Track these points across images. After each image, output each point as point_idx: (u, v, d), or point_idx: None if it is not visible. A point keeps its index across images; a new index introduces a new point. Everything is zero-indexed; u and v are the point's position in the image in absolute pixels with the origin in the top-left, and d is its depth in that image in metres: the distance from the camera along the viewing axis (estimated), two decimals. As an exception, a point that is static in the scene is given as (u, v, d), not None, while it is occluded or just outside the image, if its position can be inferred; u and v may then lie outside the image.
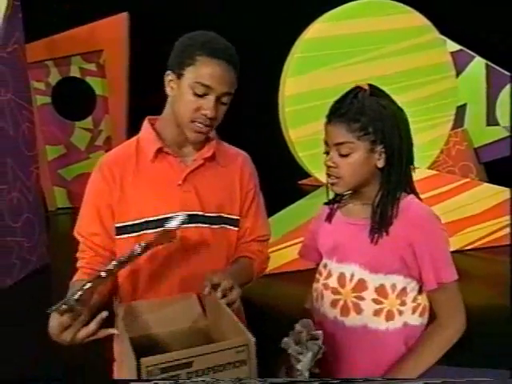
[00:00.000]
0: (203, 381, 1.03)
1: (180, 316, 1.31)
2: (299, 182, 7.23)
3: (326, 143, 1.41)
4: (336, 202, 1.51)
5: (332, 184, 1.41)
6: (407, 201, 1.39)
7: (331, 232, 1.50)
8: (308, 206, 4.47)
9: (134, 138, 1.52)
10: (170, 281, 1.45)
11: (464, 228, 4.78)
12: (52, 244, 5.01)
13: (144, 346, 1.15)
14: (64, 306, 1.09)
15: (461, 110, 5.63)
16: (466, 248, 4.80)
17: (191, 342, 1.19)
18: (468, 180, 5.04)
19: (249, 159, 1.62)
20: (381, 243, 1.36)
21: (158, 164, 1.46)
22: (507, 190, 4.90)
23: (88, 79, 7.25)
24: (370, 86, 1.38)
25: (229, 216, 1.53)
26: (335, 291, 1.43)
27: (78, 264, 1.46)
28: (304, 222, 3.90)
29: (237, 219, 1.55)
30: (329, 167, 1.40)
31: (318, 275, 1.53)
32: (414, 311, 1.39)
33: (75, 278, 1.43)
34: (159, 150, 1.46)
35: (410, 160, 1.40)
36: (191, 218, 1.41)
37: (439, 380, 1.00)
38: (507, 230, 4.86)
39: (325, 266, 1.49)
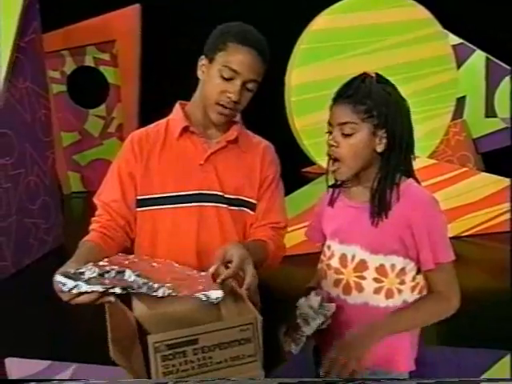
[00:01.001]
0: (213, 380, 1.06)
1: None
2: (303, 170, 7.18)
3: (330, 124, 1.44)
4: (339, 186, 1.54)
5: (334, 171, 1.45)
6: (407, 184, 1.42)
7: (334, 215, 1.54)
8: (312, 191, 4.49)
9: (165, 119, 1.58)
10: (187, 257, 1.47)
11: (462, 215, 4.80)
12: (66, 226, 5.05)
13: (159, 323, 1.21)
14: (71, 287, 1.13)
15: (460, 102, 5.62)
16: (464, 234, 4.84)
17: (201, 319, 1.23)
18: (466, 169, 5.06)
19: (271, 148, 1.64)
20: (381, 225, 1.40)
21: (183, 142, 1.52)
22: (503, 179, 4.92)
23: (101, 68, 7.26)
24: (377, 74, 1.42)
25: (247, 199, 1.55)
26: (338, 271, 1.48)
27: (92, 226, 1.49)
28: (308, 207, 3.95)
29: (255, 203, 1.57)
30: (330, 146, 1.42)
31: (322, 256, 1.58)
32: (412, 290, 1.44)
33: (86, 238, 1.45)
34: (185, 129, 1.51)
35: (410, 147, 1.44)
36: (210, 197, 1.49)
37: (433, 380, 1.01)
38: (503, 217, 4.90)
39: (328, 247, 1.54)
